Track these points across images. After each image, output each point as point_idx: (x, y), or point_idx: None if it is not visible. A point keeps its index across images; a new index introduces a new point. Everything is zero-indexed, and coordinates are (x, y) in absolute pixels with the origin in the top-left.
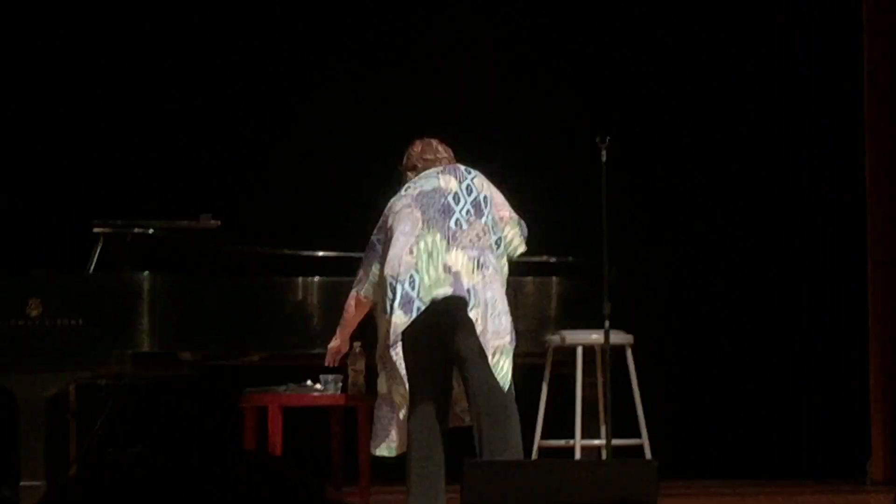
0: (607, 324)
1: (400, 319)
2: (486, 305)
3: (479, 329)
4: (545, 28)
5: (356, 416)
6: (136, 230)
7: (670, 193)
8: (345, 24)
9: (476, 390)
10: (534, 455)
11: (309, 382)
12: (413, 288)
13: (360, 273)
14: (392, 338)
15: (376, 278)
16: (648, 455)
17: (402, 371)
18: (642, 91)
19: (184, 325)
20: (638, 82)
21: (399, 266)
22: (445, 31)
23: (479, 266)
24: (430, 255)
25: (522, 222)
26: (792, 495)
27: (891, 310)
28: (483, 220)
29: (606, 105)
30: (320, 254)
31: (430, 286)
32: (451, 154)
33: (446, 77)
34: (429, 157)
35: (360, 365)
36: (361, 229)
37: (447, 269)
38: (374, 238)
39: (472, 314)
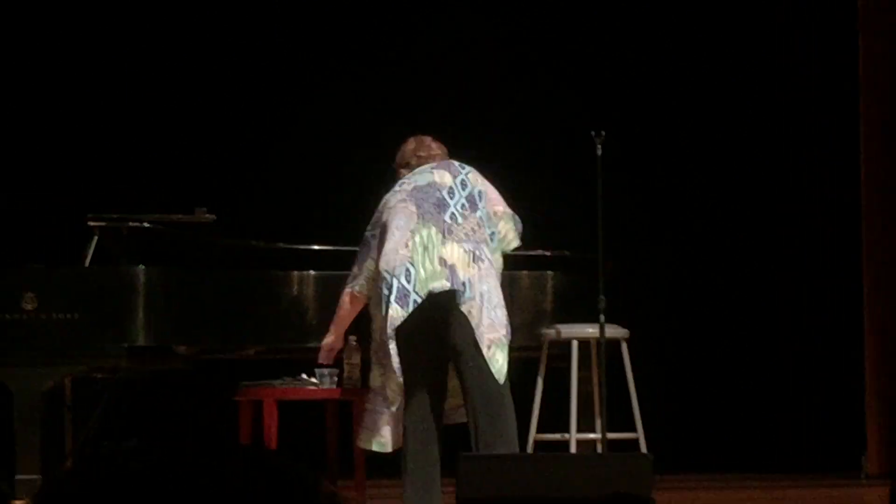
0: (603, 317)
1: (397, 313)
2: (481, 298)
3: (474, 322)
4: (540, 23)
5: (352, 409)
6: (132, 224)
7: (665, 187)
8: (337, 16)
9: (471, 384)
10: (529, 449)
11: (304, 376)
12: (409, 281)
13: (354, 269)
14: (388, 332)
15: (371, 273)
16: (644, 449)
17: (397, 365)
18: (638, 85)
19: (179, 318)
20: (634, 77)
21: (395, 260)
22: (440, 26)
23: (475, 259)
24: (425, 248)
25: (517, 217)
26: (787, 489)
27: (886, 304)
28: (477, 214)
29: (602, 99)
30: (316, 247)
31: (425, 279)
32: (445, 150)
33: (441, 71)
34: (422, 154)
35: (356, 359)
36: (357, 223)
37: (443, 262)
38: (367, 234)
39: (467, 307)
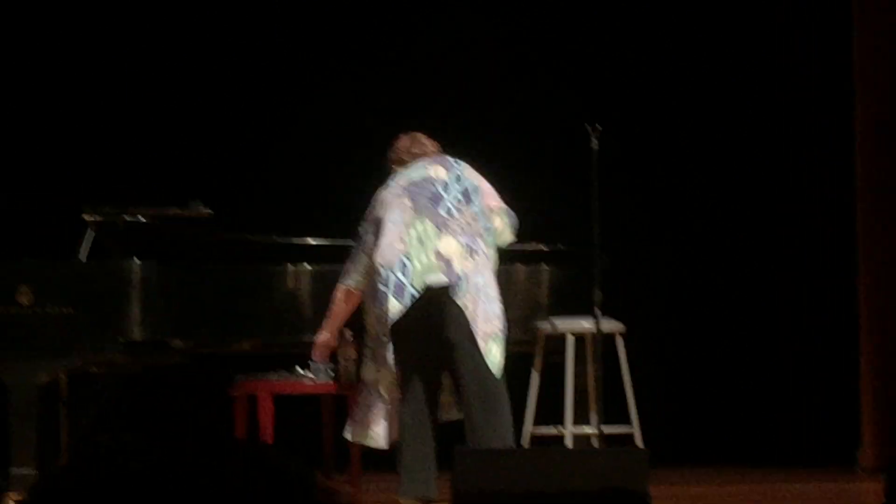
0: (598, 311)
1: (394, 307)
2: (477, 291)
3: (469, 315)
4: (537, 17)
5: (347, 403)
6: (127, 218)
7: (661, 182)
8: (328, 7)
9: (467, 377)
10: (525, 443)
11: (300, 370)
12: (405, 275)
13: (347, 265)
14: (385, 326)
15: (365, 268)
16: (639, 442)
17: (392, 360)
18: (633, 79)
19: (175, 313)
20: (629, 70)
21: (390, 254)
22: (436, 19)
23: (471, 252)
24: (421, 241)
25: (511, 212)
26: (782, 483)
27: (881, 298)
28: (472, 208)
29: (597, 92)
30: (311, 241)
31: (421, 273)
32: (438, 147)
33: (437, 65)
34: (416, 150)
35: (351, 353)
36: (352, 217)
37: (439, 255)
38: (361, 230)
39: (463, 299)
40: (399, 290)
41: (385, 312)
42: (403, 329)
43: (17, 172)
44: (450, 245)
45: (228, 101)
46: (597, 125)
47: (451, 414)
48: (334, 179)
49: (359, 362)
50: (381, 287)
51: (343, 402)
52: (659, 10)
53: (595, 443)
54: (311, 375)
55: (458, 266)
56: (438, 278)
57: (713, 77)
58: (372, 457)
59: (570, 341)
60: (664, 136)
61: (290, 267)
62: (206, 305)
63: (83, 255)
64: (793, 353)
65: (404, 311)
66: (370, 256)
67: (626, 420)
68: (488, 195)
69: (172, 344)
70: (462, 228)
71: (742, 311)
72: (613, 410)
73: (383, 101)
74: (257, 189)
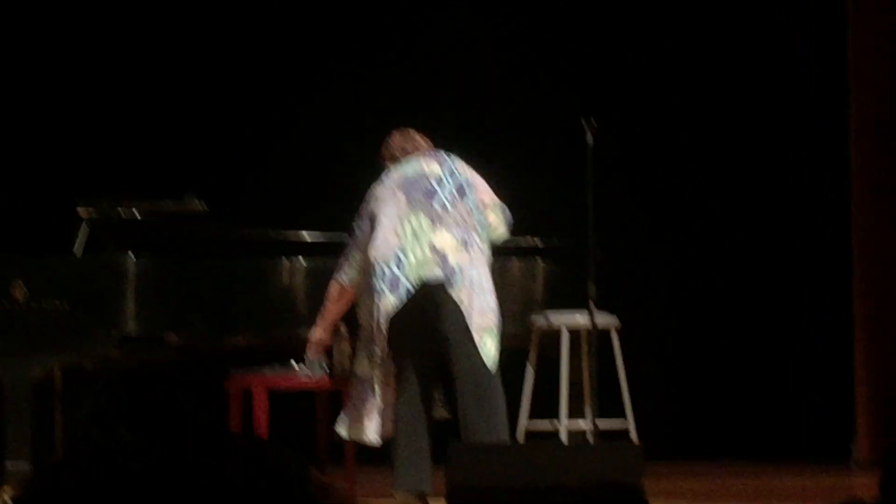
0: (593, 306)
1: (390, 302)
2: (471, 284)
3: (464, 308)
4: (532, 12)
5: (341, 398)
6: (122, 213)
7: (656, 177)
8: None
9: (461, 371)
10: (519, 437)
11: (294, 364)
12: (400, 269)
13: (341, 260)
14: (382, 321)
15: (359, 264)
16: (633, 437)
17: (380, 354)
18: (629, 75)
19: (169, 307)
20: (624, 64)
21: (385, 248)
22: (430, 13)
23: (465, 245)
24: (415, 235)
25: (505, 207)
26: (777, 476)
27: (875, 293)
28: (466, 202)
29: (592, 87)
30: (305, 233)
31: (416, 266)
32: (430, 143)
33: (431, 61)
34: (408, 146)
35: (346, 347)
36: (347, 212)
37: (433, 248)
38: (354, 225)
39: (457, 293)
40: (394, 284)
41: (380, 307)
42: (399, 323)
43: (10, 167)
44: (444, 238)
45: (224, 96)
46: (592, 120)
47: (438, 412)
48: (329, 174)
49: (353, 357)
50: (376, 282)
51: (338, 396)
52: (655, 6)
53: (590, 437)
54: (305, 370)
55: (453, 259)
56: (433, 272)
57: (708, 71)
58: (366, 451)
59: (565, 336)
60: (660, 132)
61: (285, 261)
62: (200, 300)
63: (78, 249)
64: (787, 347)
65: (399, 305)
66: (364, 252)
67: (620, 415)
68: (482, 190)
69: (167, 339)
70: (456, 222)
71: (737, 306)
72: (608, 405)
73: (378, 96)
74: (252, 183)
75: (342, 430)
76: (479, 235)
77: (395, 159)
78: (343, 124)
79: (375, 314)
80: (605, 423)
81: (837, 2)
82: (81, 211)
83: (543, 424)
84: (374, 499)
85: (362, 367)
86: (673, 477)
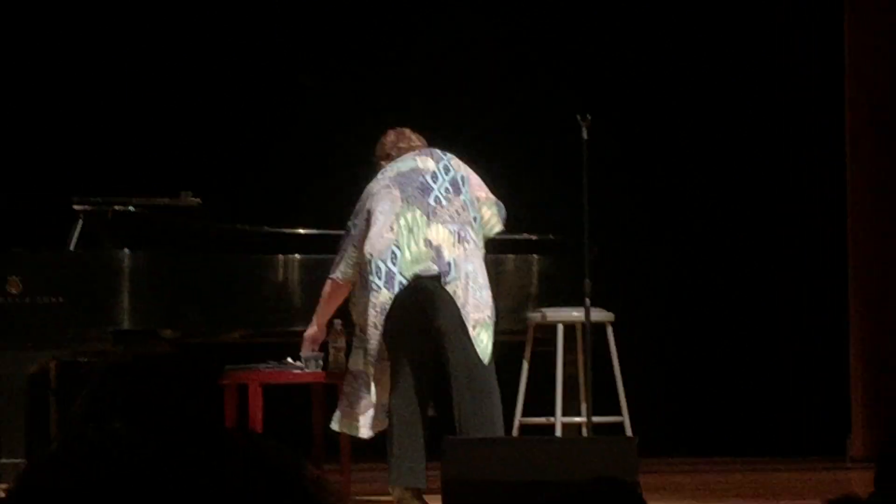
0: (588, 301)
1: (385, 297)
2: (466, 278)
3: (459, 302)
4: (528, 8)
5: (337, 393)
6: (117, 208)
7: (651, 173)
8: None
9: (456, 365)
10: (514, 432)
11: (290, 360)
12: (395, 264)
13: (337, 258)
14: (378, 316)
15: (354, 261)
16: (629, 432)
17: (374, 350)
18: (623, 68)
19: (164, 302)
20: (620, 60)
21: (380, 244)
22: (425, 9)
23: (460, 240)
24: (410, 230)
25: (500, 203)
26: (772, 472)
27: (870, 289)
28: (461, 197)
29: (588, 84)
30: (301, 231)
31: (411, 261)
32: (424, 141)
33: (427, 57)
34: (402, 145)
35: (341, 342)
36: (343, 207)
37: (428, 243)
38: (350, 223)
39: (452, 287)
40: (389, 279)
41: (375, 302)
42: (394, 319)
43: (6, 162)
44: (439, 233)
45: (220, 92)
46: (587, 116)
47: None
48: (325, 169)
49: (348, 352)
50: (371, 278)
51: (333, 391)
52: (653, 5)
53: (585, 432)
54: (300, 365)
55: (447, 253)
56: (428, 267)
57: (704, 70)
58: (361, 446)
59: (560, 331)
60: (656, 128)
61: (280, 257)
62: (196, 295)
63: (73, 244)
64: (782, 343)
65: (394, 299)
66: (359, 249)
67: (615, 410)
68: (476, 186)
69: (162, 333)
70: (451, 217)
71: (732, 302)
72: (603, 400)
73: (373, 92)
74: (248, 179)
75: (334, 423)
76: (473, 230)
77: (388, 158)
78: (339, 121)
79: (370, 310)
80: (601, 419)
81: (834, 2)
82: (77, 206)
83: (539, 420)
84: (369, 495)
85: (356, 362)
86: (668, 472)
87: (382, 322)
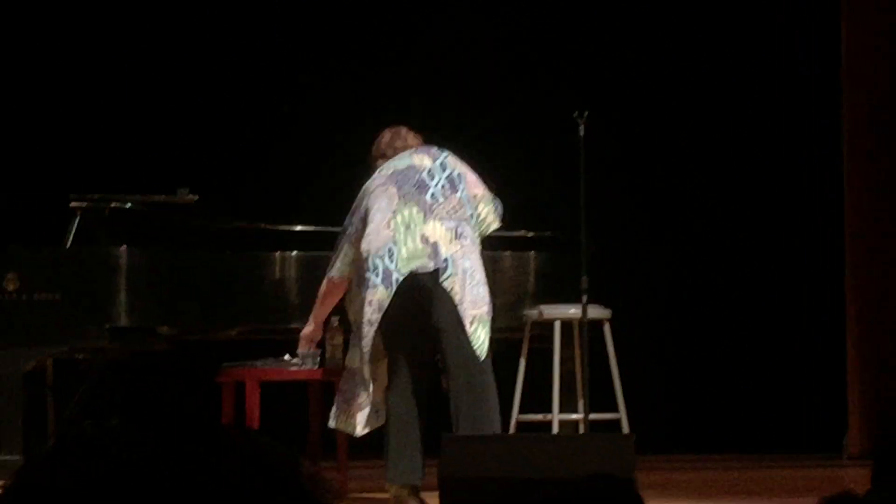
0: (585, 298)
1: (381, 294)
2: (464, 274)
3: (456, 298)
4: (527, 6)
5: (334, 390)
6: (114, 205)
7: (648, 170)
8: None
9: (453, 361)
10: (512, 429)
11: (287, 357)
12: (392, 261)
13: (333, 257)
14: (372, 313)
15: (351, 259)
16: (626, 429)
17: (367, 348)
18: (621, 67)
19: (161, 299)
20: (617, 58)
21: (377, 241)
22: (422, 6)
23: (457, 236)
24: (407, 227)
25: (497, 199)
26: (769, 469)
27: (868, 287)
28: (458, 194)
29: (585, 79)
30: (298, 228)
31: (407, 258)
32: (420, 140)
33: (425, 54)
34: (398, 144)
35: (338, 340)
36: (341, 204)
37: (425, 240)
38: (347, 222)
39: (449, 283)
40: (386, 276)
41: (372, 300)
42: (392, 316)
43: (3, 160)
44: (436, 229)
45: (218, 90)
46: (584, 113)
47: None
48: (322, 166)
49: (345, 349)
50: (369, 275)
51: (330, 388)
52: (652, 4)
53: (582, 429)
54: (297, 362)
55: (444, 250)
56: (425, 264)
57: (702, 68)
58: (359, 444)
59: (558, 328)
60: (654, 127)
61: (277, 254)
62: (193, 292)
63: (69, 241)
64: (780, 341)
65: (391, 297)
66: (356, 247)
67: (613, 407)
68: (473, 183)
69: (159, 330)
70: (448, 213)
71: (730, 299)
72: (600, 397)
73: (371, 88)
74: (245, 176)
75: (331, 420)
76: (470, 227)
77: (385, 157)
78: (337, 119)
79: (366, 307)
80: (598, 416)
81: (832, 1)
82: (74, 203)
83: (536, 417)
84: (366, 492)
85: (353, 359)
86: (665, 469)
87: (378, 319)
